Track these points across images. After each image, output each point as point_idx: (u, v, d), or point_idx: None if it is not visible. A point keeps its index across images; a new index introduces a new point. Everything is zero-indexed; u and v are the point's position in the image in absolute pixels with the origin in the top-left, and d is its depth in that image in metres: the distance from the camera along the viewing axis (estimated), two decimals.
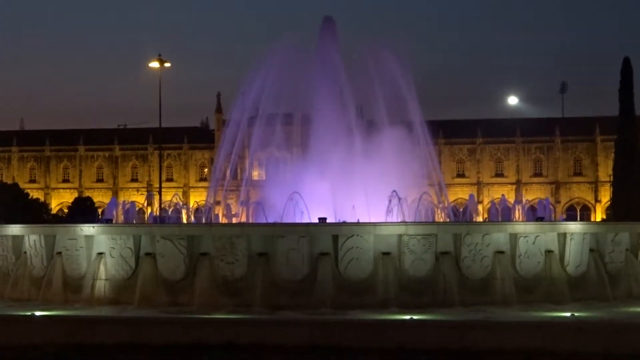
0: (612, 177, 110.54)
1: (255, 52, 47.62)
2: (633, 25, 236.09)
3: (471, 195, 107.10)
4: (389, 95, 43.86)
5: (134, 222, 44.91)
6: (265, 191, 42.96)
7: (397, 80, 43.76)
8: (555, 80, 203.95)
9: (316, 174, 41.91)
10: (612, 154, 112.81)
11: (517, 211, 45.23)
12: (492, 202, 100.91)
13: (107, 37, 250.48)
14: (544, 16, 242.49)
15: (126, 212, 44.27)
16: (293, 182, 41.90)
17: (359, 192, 41.51)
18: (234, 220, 44.89)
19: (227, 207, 47.47)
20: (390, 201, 38.23)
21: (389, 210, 38.36)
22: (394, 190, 38.51)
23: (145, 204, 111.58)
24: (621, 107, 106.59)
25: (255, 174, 46.00)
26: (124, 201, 43.42)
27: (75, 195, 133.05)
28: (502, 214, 48.66)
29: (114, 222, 40.83)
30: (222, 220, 45.80)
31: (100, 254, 30.15)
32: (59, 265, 30.77)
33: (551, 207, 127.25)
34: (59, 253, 30.93)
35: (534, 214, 45.15)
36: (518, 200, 44.17)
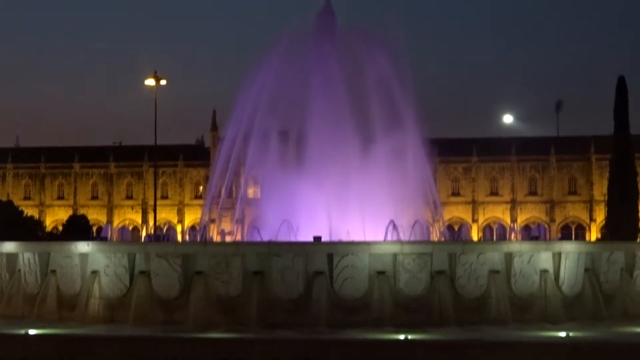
0: (607, 197, 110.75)
1: (251, 65, 47.25)
2: (628, 44, 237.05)
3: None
4: (387, 112, 43.82)
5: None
6: (260, 209, 42.88)
7: (396, 96, 43.71)
8: (550, 99, 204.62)
9: (311, 192, 41.88)
10: (607, 173, 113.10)
11: (512, 231, 45.28)
12: (488, 225, 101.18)
13: (103, 53, 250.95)
14: (539, 34, 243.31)
15: (121, 231, 44.28)
16: (288, 200, 41.87)
17: (355, 210, 41.49)
18: (229, 239, 44.82)
19: (222, 233, 47.42)
20: (387, 231, 38.31)
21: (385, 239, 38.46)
22: (392, 220, 38.55)
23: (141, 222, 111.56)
24: (616, 126, 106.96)
25: (251, 192, 46.04)
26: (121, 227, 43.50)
27: (70, 212, 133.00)
28: (497, 233, 48.72)
29: (108, 240, 40.82)
30: (216, 238, 45.73)
31: (94, 272, 30.06)
32: (53, 283, 30.68)
33: (546, 226, 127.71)
34: (53, 271, 30.84)
35: (529, 233, 45.18)
36: (513, 220, 44.18)
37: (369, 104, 43.64)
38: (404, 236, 38.88)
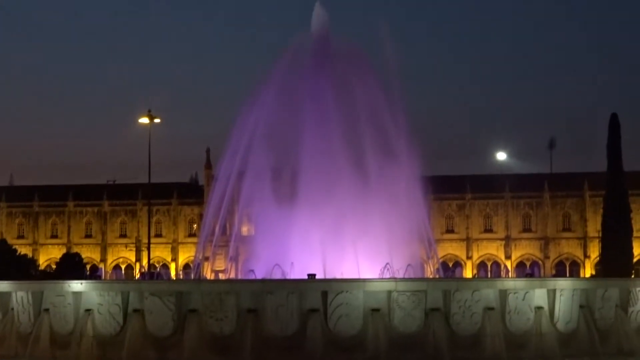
0: (600, 233, 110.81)
1: (244, 102, 47.21)
2: (620, 81, 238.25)
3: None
4: (382, 149, 43.81)
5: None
6: (254, 247, 42.85)
7: (390, 133, 43.73)
8: (543, 136, 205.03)
9: (305, 229, 41.83)
10: (601, 210, 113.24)
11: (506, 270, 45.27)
12: (482, 262, 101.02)
13: (97, 92, 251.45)
14: (532, 72, 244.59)
15: (114, 271, 44.16)
16: (282, 238, 41.83)
17: (349, 248, 41.42)
18: (222, 276, 44.73)
19: (216, 274, 47.33)
20: (382, 274, 38.31)
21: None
22: (388, 263, 38.56)
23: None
24: (609, 162, 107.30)
25: (245, 230, 45.98)
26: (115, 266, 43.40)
27: (64, 250, 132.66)
28: (491, 270, 48.68)
29: (102, 278, 40.76)
30: (210, 276, 45.66)
31: (88, 310, 29.97)
32: (47, 322, 30.55)
33: (540, 263, 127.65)
34: (47, 310, 30.72)
35: (523, 270, 45.18)
36: (507, 257, 44.15)
37: (364, 141, 43.66)
38: (399, 275, 38.81)
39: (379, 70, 45.65)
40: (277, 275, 39.23)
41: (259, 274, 39.55)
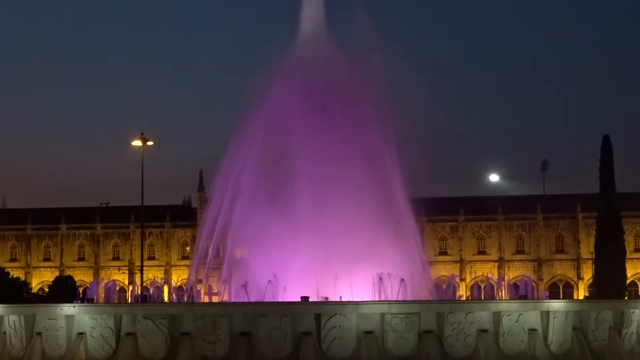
0: (594, 255, 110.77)
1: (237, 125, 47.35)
2: (613, 103, 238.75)
3: (452, 275, 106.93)
4: (374, 172, 43.91)
5: (115, 301, 44.66)
6: (248, 269, 42.82)
7: (382, 157, 43.82)
8: (536, 157, 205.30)
9: (299, 251, 41.81)
10: (594, 231, 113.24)
11: (500, 289, 45.22)
12: (476, 283, 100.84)
13: (89, 114, 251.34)
14: (524, 95, 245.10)
15: (107, 292, 44.00)
16: (275, 261, 41.78)
17: (343, 271, 41.39)
18: (215, 299, 44.63)
19: (209, 288, 47.23)
20: (373, 285, 38.27)
21: (374, 294, 38.39)
22: (379, 273, 38.56)
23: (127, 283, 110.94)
24: (602, 184, 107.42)
25: (238, 252, 45.92)
26: (106, 283, 43.24)
27: (57, 273, 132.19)
28: (485, 292, 48.59)
29: (95, 301, 40.61)
30: (204, 299, 45.55)
31: (80, 333, 29.88)
32: (39, 346, 30.43)
33: (533, 284, 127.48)
34: (39, 333, 30.61)
35: (517, 291, 45.15)
36: (501, 279, 44.17)
37: (356, 167, 43.74)
38: (392, 293, 38.85)
39: (369, 93, 45.71)
40: (271, 291, 39.26)
41: (253, 297, 39.49)
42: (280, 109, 44.45)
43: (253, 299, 39.18)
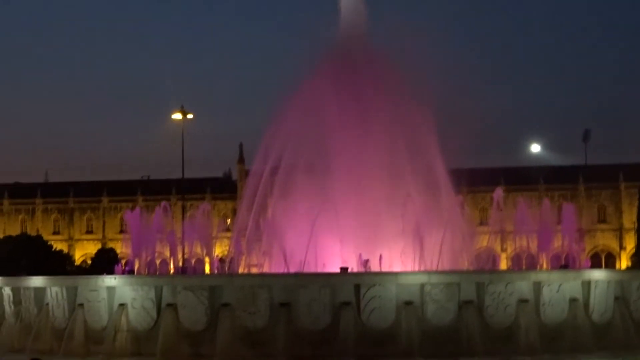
0: (636, 224, 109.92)
1: (277, 101, 47.87)
2: None
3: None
4: (412, 144, 43.87)
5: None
6: (287, 241, 42.92)
7: (420, 126, 43.75)
8: (578, 127, 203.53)
9: (337, 224, 41.86)
10: (637, 201, 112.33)
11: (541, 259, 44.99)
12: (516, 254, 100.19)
13: (130, 88, 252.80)
14: (564, 65, 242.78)
15: (149, 264, 44.29)
16: (314, 233, 41.83)
17: (382, 245, 41.43)
18: (255, 270, 44.82)
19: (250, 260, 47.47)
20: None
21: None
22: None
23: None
24: None
25: (278, 224, 46.05)
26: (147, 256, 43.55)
27: (99, 246, 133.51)
28: (526, 262, 48.39)
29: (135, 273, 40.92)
30: (244, 270, 45.75)
31: (122, 305, 30.12)
32: (81, 317, 30.71)
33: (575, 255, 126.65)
34: (81, 305, 30.90)
35: (558, 261, 44.89)
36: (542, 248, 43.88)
37: (394, 138, 43.71)
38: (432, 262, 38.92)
39: (407, 66, 45.65)
40: (312, 263, 39.43)
41: (292, 269, 39.62)
42: (318, 90, 44.71)
43: (292, 270, 39.26)
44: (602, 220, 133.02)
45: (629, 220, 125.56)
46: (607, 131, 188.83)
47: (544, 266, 43.03)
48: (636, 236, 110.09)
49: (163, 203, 51.15)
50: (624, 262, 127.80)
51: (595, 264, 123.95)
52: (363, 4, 46.82)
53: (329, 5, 47.51)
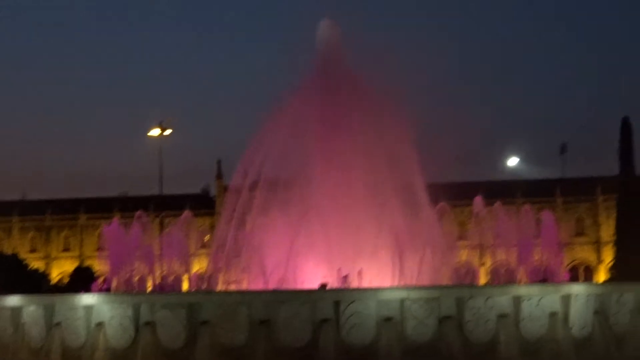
0: (614, 237, 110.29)
1: (257, 116, 48.15)
2: (631, 84, 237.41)
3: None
4: (391, 158, 44.00)
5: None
6: (266, 257, 42.85)
7: (398, 142, 43.92)
8: (555, 141, 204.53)
9: (316, 239, 41.85)
10: (614, 214, 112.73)
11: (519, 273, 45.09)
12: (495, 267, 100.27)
13: (107, 104, 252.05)
14: (541, 77, 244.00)
15: (127, 282, 44.09)
16: (292, 248, 41.79)
17: (362, 259, 41.41)
18: (234, 287, 44.70)
19: (228, 276, 47.33)
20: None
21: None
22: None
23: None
24: (621, 166, 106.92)
25: (256, 240, 45.92)
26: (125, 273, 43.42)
27: (77, 264, 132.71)
28: (504, 276, 48.45)
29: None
30: (223, 287, 45.62)
31: (99, 323, 29.88)
32: (58, 336, 30.43)
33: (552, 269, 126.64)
34: (58, 323, 30.64)
35: (537, 274, 44.96)
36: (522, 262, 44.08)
37: (374, 153, 43.86)
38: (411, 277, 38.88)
39: (384, 84, 45.84)
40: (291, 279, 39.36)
41: (271, 285, 39.52)
42: (298, 107, 44.93)
43: (272, 287, 39.16)
44: (580, 233, 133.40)
45: (606, 233, 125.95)
46: (584, 144, 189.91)
47: (523, 280, 43.12)
48: (614, 249, 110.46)
49: (139, 212, 50.81)
50: (602, 275, 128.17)
51: (574, 277, 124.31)
52: (338, 30, 46.99)
53: (309, 20, 47.60)
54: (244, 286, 43.76)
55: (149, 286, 48.18)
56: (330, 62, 46.20)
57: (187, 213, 58.53)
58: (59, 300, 32.00)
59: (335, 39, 46.73)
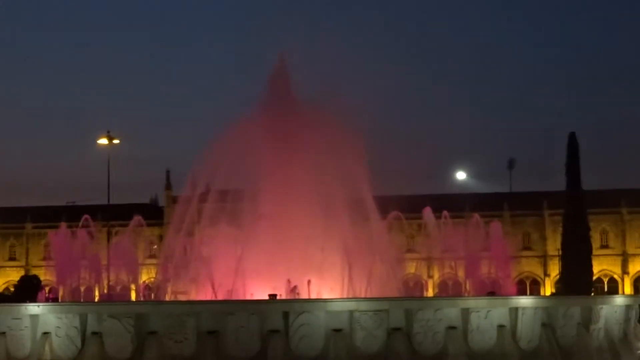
0: (560, 251, 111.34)
1: (208, 128, 48.42)
2: (578, 101, 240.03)
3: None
4: (341, 170, 44.17)
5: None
6: (215, 268, 42.70)
7: (349, 155, 44.10)
8: (502, 156, 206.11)
9: (265, 252, 41.82)
10: (560, 229, 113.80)
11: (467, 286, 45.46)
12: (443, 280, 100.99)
13: (55, 112, 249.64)
14: (489, 93, 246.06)
15: (73, 291, 43.69)
16: (242, 260, 41.71)
17: (312, 270, 41.45)
18: (182, 298, 44.44)
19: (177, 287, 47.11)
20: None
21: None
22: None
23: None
24: (568, 182, 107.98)
25: (205, 251, 45.74)
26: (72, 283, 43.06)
27: (22, 273, 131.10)
28: (452, 289, 48.81)
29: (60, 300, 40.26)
30: (171, 297, 45.35)
31: (45, 333, 29.50)
32: (2, 346, 29.95)
33: (500, 281, 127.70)
34: (3, 333, 30.16)
35: (484, 287, 45.30)
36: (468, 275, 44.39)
37: (324, 166, 44.03)
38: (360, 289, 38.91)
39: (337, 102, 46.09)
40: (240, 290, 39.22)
41: (220, 296, 39.35)
42: (248, 121, 45.20)
43: (220, 298, 38.99)
44: (526, 247, 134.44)
45: (553, 247, 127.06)
46: (531, 159, 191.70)
47: (471, 293, 43.40)
48: (560, 263, 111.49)
49: (85, 216, 50.54)
50: (548, 289, 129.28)
51: (521, 290, 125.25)
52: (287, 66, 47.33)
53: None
54: (193, 296, 43.53)
55: (96, 296, 47.73)
56: (280, 82, 46.46)
57: (137, 218, 58.25)
58: (3, 309, 31.54)
59: (286, 66, 47.09)
